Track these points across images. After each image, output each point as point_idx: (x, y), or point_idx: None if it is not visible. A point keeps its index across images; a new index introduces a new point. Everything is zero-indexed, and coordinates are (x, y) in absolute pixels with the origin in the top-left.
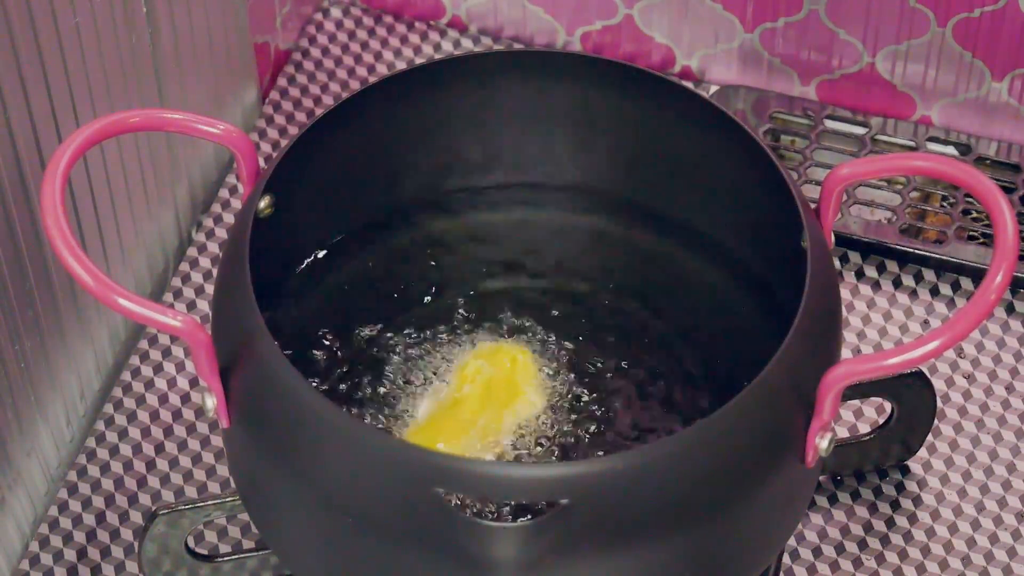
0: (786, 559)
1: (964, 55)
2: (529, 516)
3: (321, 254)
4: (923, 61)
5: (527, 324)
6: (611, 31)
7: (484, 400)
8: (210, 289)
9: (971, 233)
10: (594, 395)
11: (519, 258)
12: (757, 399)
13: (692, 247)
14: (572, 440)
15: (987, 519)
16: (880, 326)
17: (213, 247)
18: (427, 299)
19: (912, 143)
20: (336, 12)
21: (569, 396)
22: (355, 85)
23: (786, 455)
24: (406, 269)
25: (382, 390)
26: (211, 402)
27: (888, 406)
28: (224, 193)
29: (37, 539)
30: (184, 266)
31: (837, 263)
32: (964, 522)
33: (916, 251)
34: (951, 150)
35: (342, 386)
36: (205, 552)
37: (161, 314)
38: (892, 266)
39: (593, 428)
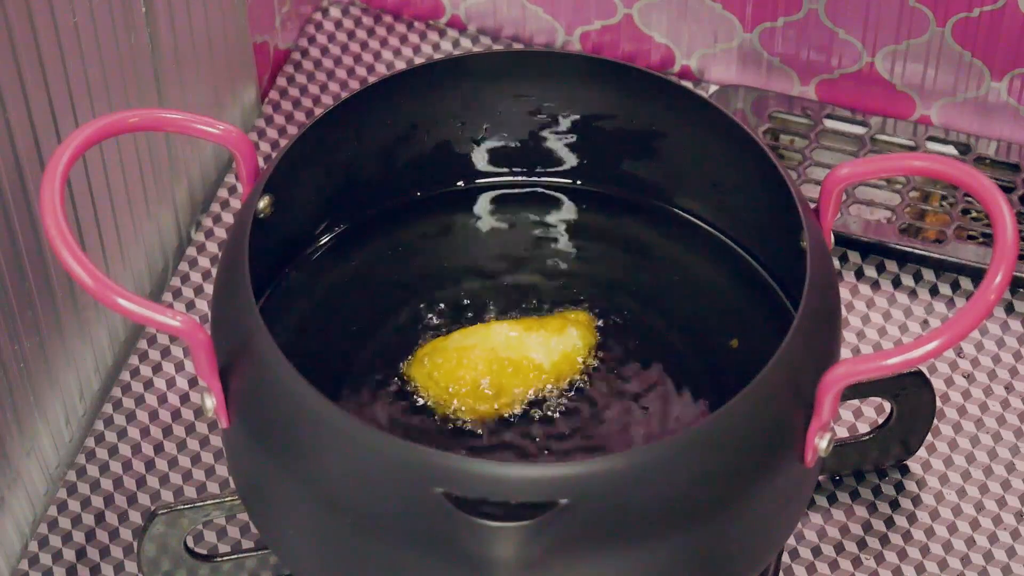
0: (786, 558)
1: (963, 55)
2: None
3: (320, 254)
4: (922, 61)
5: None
6: (610, 31)
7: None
8: (209, 289)
9: (970, 233)
10: (593, 394)
11: (518, 257)
12: (757, 399)
13: (691, 247)
14: (571, 440)
15: (986, 519)
16: (879, 326)
17: (212, 247)
18: (427, 298)
19: (911, 143)
20: (335, 12)
21: (567, 395)
22: (354, 85)
23: (785, 455)
24: (406, 268)
25: (382, 389)
26: (210, 402)
27: (887, 406)
28: (223, 193)
29: (36, 539)
30: (183, 266)
31: (837, 263)
32: (963, 522)
33: (916, 251)
34: (950, 150)
35: (342, 385)
36: (204, 552)
37: (160, 314)
38: (891, 266)
39: (592, 427)
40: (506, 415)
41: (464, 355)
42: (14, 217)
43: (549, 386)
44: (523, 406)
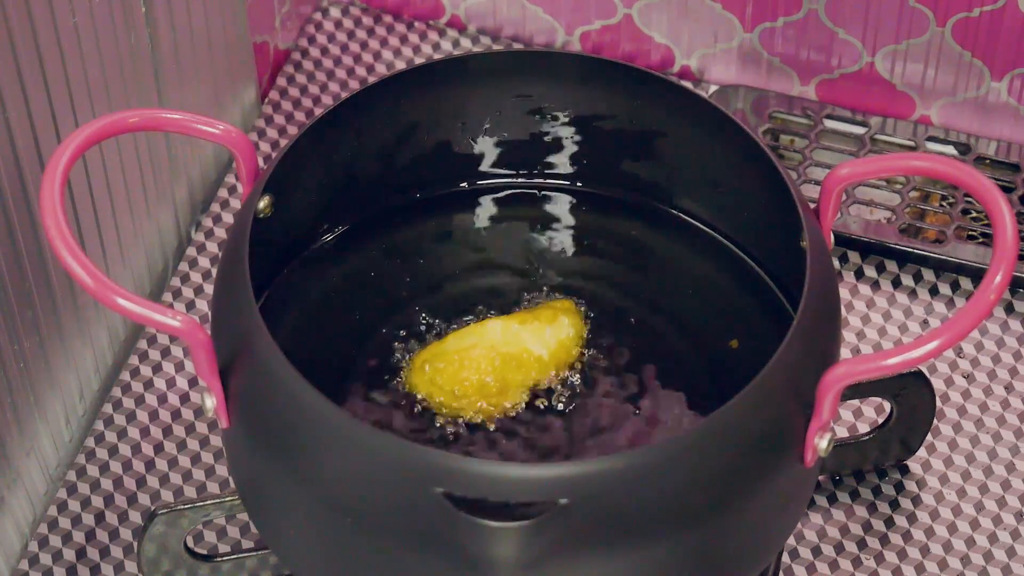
0: (786, 558)
1: (963, 55)
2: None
3: (320, 254)
4: (922, 61)
5: None
6: (610, 31)
7: (516, 321)
8: (209, 289)
9: (970, 233)
10: (593, 394)
11: (518, 256)
12: (757, 399)
13: (691, 247)
14: (571, 440)
15: (986, 519)
16: (879, 326)
17: (212, 247)
18: (426, 298)
19: (911, 143)
20: (335, 12)
21: (568, 395)
22: (354, 85)
23: (785, 455)
24: (406, 268)
25: (383, 388)
26: (211, 402)
27: (887, 406)
28: (223, 193)
29: (36, 539)
30: (183, 266)
31: (837, 263)
32: (963, 522)
33: (915, 251)
34: (950, 150)
35: (342, 385)
36: (204, 552)
37: (160, 314)
38: (891, 266)
39: (592, 427)
40: (512, 410)
41: (465, 356)
42: (14, 217)
43: (552, 375)
44: (527, 399)
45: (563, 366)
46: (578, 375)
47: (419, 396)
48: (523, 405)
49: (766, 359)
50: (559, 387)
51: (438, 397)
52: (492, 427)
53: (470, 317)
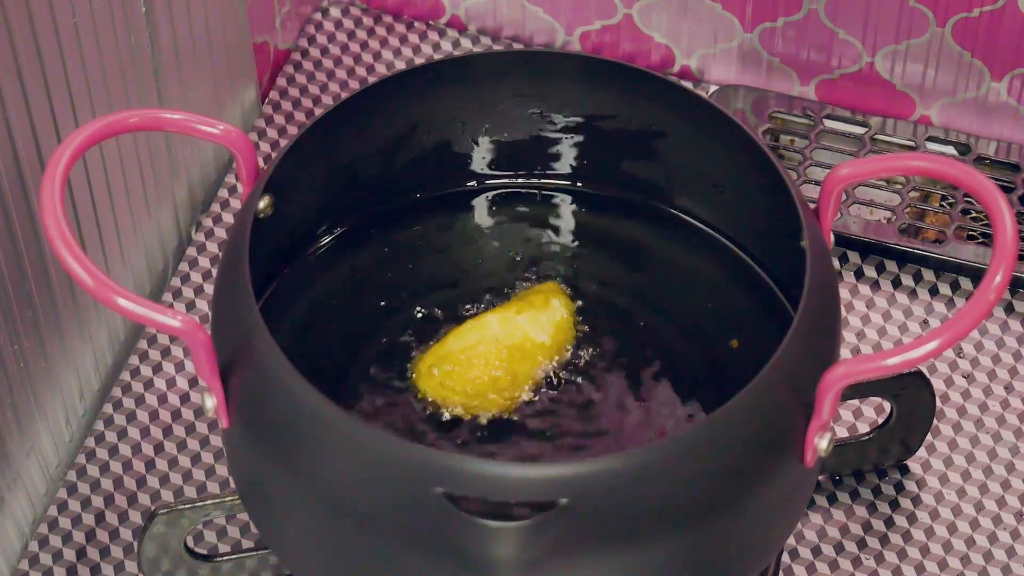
0: (786, 558)
1: (963, 55)
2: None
3: (321, 253)
4: (922, 61)
5: None
6: (610, 31)
7: (511, 310)
8: (209, 289)
9: (970, 233)
10: (593, 394)
11: (518, 257)
12: (757, 399)
13: (691, 246)
14: (571, 440)
15: (986, 519)
16: (879, 326)
17: (212, 247)
18: (426, 298)
19: (911, 143)
20: (335, 12)
21: (567, 394)
22: (354, 85)
23: (785, 455)
24: (406, 268)
25: (383, 387)
26: (211, 402)
27: (887, 406)
28: (223, 193)
29: (36, 539)
30: (183, 266)
31: (836, 263)
32: (963, 521)
33: (915, 251)
34: (950, 150)
35: (342, 385)
36: (204, 552)
37: (160, 314)
38: (891, 266)
39: (591, 427)
40: (524, 400)
41: (472, 355)
42: (14, 217)
43: (555, 361)
44: (536, 386)
45: (563, 348)
46: (578, 375)
47: (431, 401)
48: (533, 395)
49: (766, 359)
50: (561, 385)
51: (451, 400)
52: (489, 428)
53: (471, 314)
